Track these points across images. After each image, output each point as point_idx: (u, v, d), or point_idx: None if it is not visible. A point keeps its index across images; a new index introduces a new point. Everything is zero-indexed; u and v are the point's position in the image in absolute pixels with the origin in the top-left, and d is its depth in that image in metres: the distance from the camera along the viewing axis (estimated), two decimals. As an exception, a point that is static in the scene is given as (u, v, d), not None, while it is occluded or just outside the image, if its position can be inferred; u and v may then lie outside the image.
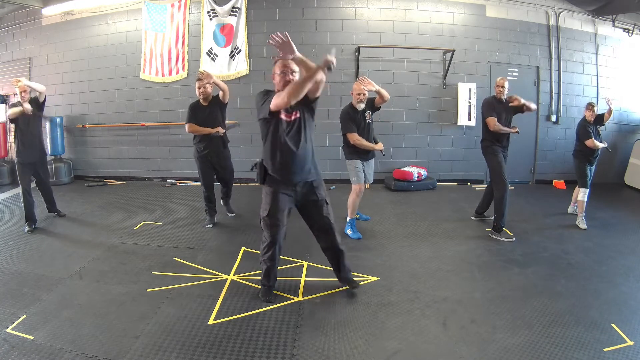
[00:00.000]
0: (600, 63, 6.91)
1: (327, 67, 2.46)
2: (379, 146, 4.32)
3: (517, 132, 4.36)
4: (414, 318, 2.79)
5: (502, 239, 4.23)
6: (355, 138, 4.16)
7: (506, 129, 4.33)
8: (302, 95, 2.62)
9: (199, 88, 4.33)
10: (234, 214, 4.97)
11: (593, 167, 4.86)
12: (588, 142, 4.69)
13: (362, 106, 4.22)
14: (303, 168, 2.85)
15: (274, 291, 3.06)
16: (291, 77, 2.74)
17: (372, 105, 4.30)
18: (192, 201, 5.68)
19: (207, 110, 4.39)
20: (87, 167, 7.15)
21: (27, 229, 4.42)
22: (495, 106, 4.36)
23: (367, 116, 4.27)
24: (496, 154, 4.35)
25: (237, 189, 4.93)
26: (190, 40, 6.67)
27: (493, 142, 4.38)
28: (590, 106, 4.77)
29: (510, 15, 6.67)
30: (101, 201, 5.67)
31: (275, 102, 2.65)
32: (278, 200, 2.85)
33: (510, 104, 4.34)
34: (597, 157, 4.84)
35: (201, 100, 4.41)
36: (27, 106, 4.24)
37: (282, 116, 2.77)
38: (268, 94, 2.81)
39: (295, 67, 2.73)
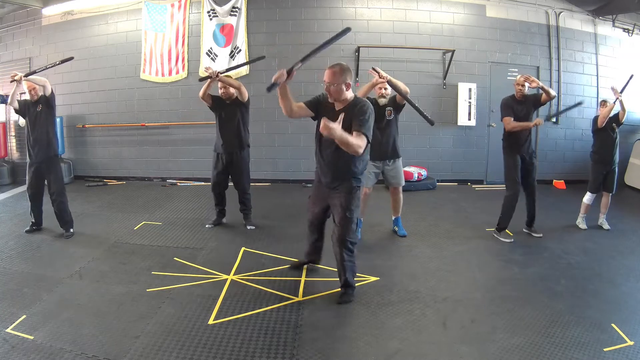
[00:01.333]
0: (600, 63, 6.91)
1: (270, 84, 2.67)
2: None
3: (539, 123, 4.08)
4: (414, 318, 2.79)
5: (501, 239, 4.23)
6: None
7: (524, 124, 4.07)
8: (284, 105, 2.84)
9: (221, 88, 4.31)
10: (253, 227, 4.53)
11: (613, 170, 4.61)
12: (599, 120, 4.48)
13: (383, 101, 4.12)
14: (327, 175, 2.95)
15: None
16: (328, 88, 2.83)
17: (395, 102, 4.15)
18: (192, 201, 5.69)
19: (228, 109, 4.33)
20: (87, 167, 7.15)
21: (27, 228, 4.36)
22: (513, 106, 4.15)
23: (388, 113, 4.14)
24: (512, 156, 4.20)
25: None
26: (190, 40, 6.68)
27: (511, 143, 4.21)
28: (603, 103, 4.61)
29: (510, 15, 6.67)
30: (101, 201, 5.67)
31: None
32: (314, 189, 3.17)
33: (530, 86, 4.09)
34: (614, 161, 4.57)
35: (225, 100, 4.37)
36: None
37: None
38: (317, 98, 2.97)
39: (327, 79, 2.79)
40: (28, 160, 4.29)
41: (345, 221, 2.89)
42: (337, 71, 2.74)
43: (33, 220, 4.37)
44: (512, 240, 4.21)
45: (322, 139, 2.85)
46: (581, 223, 4.68)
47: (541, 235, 4.35)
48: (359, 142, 2.63)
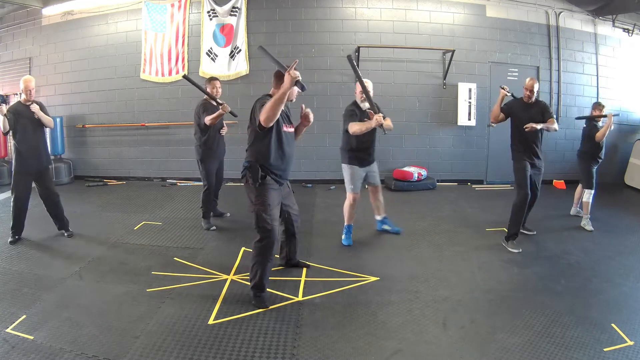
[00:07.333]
0: (600, 63, 6.91)
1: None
2: (387, 121, 3.85)
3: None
4: (414, 318, 2.79)
5: (508, 248, 3.98)
6: (355, 128, 3.87)
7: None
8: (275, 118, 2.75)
9: (213, 89, 4.45)
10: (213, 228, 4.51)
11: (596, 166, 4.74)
12: (598, 135, 4.53)
13: (366, 105, 4.01)
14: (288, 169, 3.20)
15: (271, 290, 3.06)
16: None
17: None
18: (192, 201, 5.68)
19: None
20: (87, 167, 7.15)
21: (10, 239, 4.03)
22: (516, 108, 4.07)
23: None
24: (520, 161, 4.05)
25: (238, 188, 4.85)
26: (190, 40, 6.68)
27: (519, 150, 4.08)
28: (594, 106, 4.75)
29: (510, 15, 6.67)
30: (101, 201, 5.66)
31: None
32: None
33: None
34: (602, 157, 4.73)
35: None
36: None
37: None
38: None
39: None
40: (15, 168, 4.03)
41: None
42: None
43: (11, 238, 4.06)
44: (520, 250, 3.92)
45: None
46: (587, 225, 4.58)
47: (534, 232, 4.38)
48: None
